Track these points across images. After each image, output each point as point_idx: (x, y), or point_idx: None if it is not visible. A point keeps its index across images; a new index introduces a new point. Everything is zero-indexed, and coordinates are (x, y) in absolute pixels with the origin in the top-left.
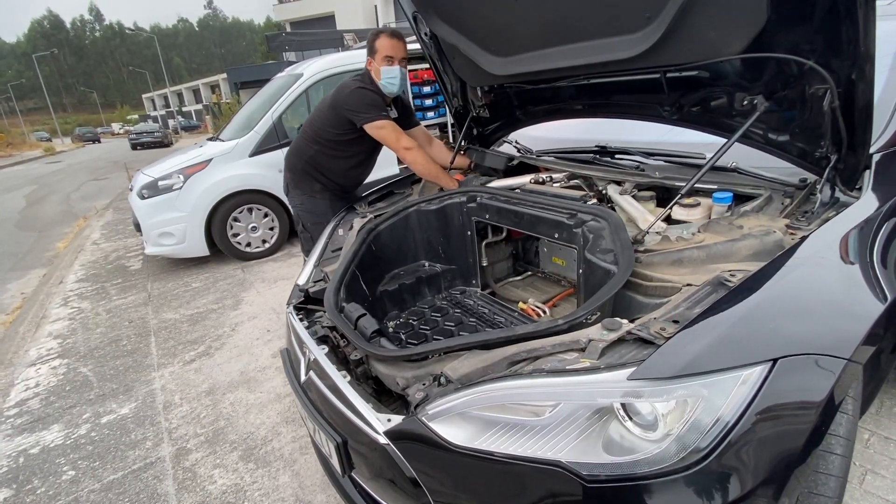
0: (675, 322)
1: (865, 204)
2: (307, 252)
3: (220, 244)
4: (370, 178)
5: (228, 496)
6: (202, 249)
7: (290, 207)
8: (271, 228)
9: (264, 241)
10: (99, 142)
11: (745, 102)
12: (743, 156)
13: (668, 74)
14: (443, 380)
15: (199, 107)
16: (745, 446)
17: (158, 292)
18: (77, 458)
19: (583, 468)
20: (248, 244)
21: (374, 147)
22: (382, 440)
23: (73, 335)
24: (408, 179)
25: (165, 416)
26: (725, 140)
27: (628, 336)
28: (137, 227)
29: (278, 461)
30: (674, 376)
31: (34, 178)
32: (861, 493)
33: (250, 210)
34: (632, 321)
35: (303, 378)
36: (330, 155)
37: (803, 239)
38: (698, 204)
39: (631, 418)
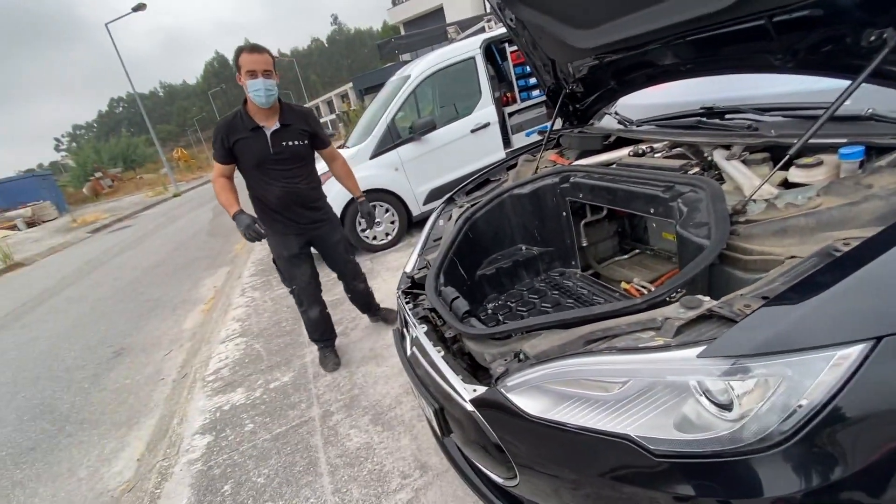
0: (764, 298)
1: None
2: (287, 284)
3: (351, 239)
4: (469, 169)
5: (361, 452)
6: None
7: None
8: (392, 222)
9: (387, 235)
10: None
11: (873, 38)
12: (885, 99)
13: (775, 18)
14: (522, 356)
15: (333, 116)
16: (837, 433)
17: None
18: (254, 414)
19: (651, 443)
20: (374, 237)
21: (252, 164)
22: (469, 407)
23: (249, 319)
24: (503, 166)
25: (315, 384)
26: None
27: (710, 314)
28: None
29: (400, 426)
30: (751, 354)
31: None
32: None
33: (374, 207)
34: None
35: (408, 353)
36: (249, 187)
37: None
38: (820, 163)
39: (707, 397)
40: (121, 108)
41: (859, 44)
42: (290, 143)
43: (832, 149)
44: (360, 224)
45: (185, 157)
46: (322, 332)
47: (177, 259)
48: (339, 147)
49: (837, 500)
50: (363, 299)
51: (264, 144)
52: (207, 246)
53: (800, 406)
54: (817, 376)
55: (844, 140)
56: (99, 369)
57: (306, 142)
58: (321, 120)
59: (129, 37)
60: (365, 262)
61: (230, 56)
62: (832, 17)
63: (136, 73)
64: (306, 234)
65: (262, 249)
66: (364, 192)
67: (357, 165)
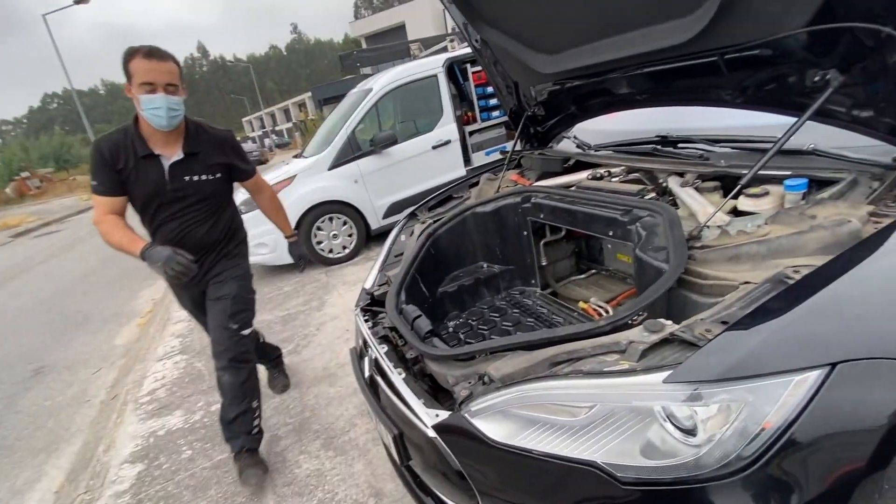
0: (724, 323)
1: None
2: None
3: (307, 257)
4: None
5: (311, 479)
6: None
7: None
8: (350, 235)
9: (344, 248)
10: None
11: (817, 78)
12: (825, 135)
13: (727, 56)
14: (486, 379)
15: (290, 125)
16: (797, 457)
17: (256, 296)
18: (193, 439)
19: (618, 470)
20: (331, 250)
21: (139, 203)
22: (431, 433)
23: (191, 335)
24: (466, 183)
25: (261, 406)
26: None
27: (672, 338)
28: None
29: (354, 450)
30: (714, 380)
31: None
32: None
33: (331, 219)
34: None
35: (366, 374)
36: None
37: (889, 227)
38: (767, 193)
39: (672, 422)
40: (55, 105)
41: (804, 83)
42: (197, 177)
43: (777, 180)
44: (314, 236)
45: None
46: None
47: (111, 268)
48: (295, 157)
49: None
50: (227, 395)
51: (159, 178)
52: None
53: (761, 431)
54: (777, 402)
55: (789, 172)
56: (15, 389)
57: (219, 175)
58: (277, 128)
59: (70, 31)
60: (320, 276)
61: (181, 56)
62: (780, 57)
63: (76, 69)
64: (200, 286)
65: None
66: (321, 203)
67: (315, 176)
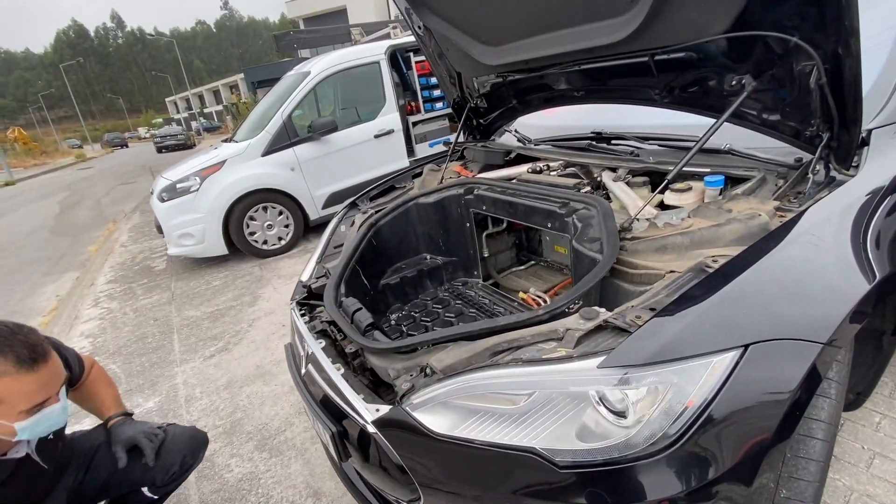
0: (652, 310)
1: (860, 182)
2: None
3: (237, 243)
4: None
5: (244, 484)
6: (221, 248)
7: None
8: (286, 226)
9: (280, 239)
10: (127, 146)
11: (734, 83)
12: (739, 136)
13: (656, 57)
14: (428, 370)
15: (220, 107)
16: (716, 432)
17: (181, 291)
18: None
19: (555, 454)
20: (265, 242)
21: None
22: (371, 429)
23: (103, 334)
24: (409, 174)
25: (187, 408)
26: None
27: (605, 325)
28: (159, 229)
29: (291, 450)
30: (644, 364)
31: (67, 185)
32: (868, 477)
33: (265, 209)
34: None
35: (302, 371)
36: None
37: (790, 221)
38: (690, 188)
39: (605, 405)
40: None
41: (723, 87)
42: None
43: (698, 176)
44: (247, 226)
45: (23, 139)
46: None
47: (6, 262)
48: (225, 141)
49: (719, 492)
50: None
51: (33, 479)
52: (50, 246)
53: (685, 409)
54: (699, 382)
55: (708, 170)
56: None
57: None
58: (206, 110)
59: None
60: (253, 269)
61: (91, 27)
62: (702, 61)
63: None
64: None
65: (122, 252)
66: (254, 191)
67: (247, 162)
